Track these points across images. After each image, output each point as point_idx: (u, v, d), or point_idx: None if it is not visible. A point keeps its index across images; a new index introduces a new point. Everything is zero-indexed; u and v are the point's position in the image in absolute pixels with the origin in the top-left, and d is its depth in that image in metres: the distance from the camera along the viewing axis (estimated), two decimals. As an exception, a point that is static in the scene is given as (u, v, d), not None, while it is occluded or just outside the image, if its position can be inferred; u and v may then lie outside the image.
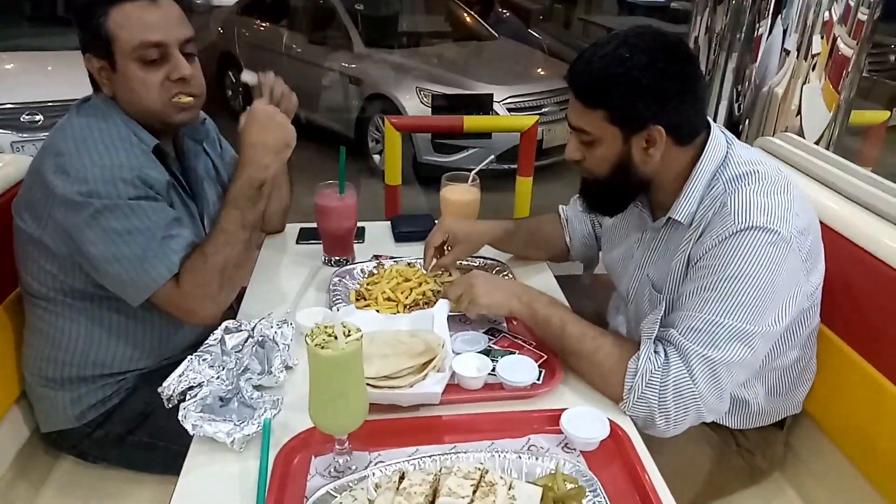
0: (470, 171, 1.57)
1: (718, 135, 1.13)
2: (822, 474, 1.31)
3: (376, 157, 4.92)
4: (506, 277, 1.44)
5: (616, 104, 1.06)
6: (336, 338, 0.85)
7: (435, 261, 1.38)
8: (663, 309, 1.07)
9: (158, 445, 1.26)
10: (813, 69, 2.20)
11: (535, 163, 4.16)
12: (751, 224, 1.01)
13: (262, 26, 6.19)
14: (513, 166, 4.18)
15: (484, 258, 1.50)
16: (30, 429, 1.34)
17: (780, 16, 2.13)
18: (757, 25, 2.16)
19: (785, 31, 2.15)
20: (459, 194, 1.54)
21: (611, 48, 1.04)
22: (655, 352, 1.04)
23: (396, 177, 3.96)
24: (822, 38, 2.12)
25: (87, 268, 1.19)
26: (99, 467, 1.33)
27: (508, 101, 4.69)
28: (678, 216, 1.13)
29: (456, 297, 1.21)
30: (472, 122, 4.04)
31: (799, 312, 1.12)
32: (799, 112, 2.30)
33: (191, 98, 1.25)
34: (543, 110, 4.74)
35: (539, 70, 5.42)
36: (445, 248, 1.42)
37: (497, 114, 4.54)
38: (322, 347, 0.84)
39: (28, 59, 4.35)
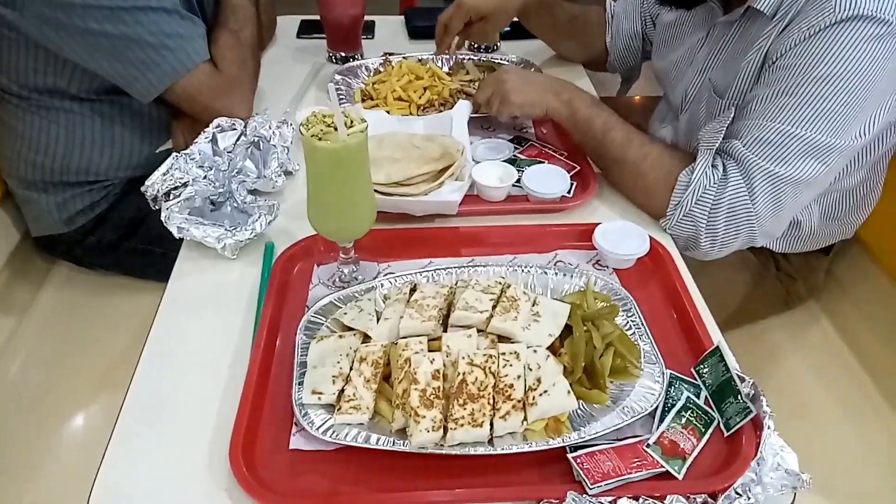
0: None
1: None
2: (863, 303, 1.23)
3: (390, -40, 4.41)
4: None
5: None
6: (336, 129, 0.71)
7: (454, 41, 1.17)
8: (730, 117, 0.90)
9: (155, 252, 1.18)
10: None
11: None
12: (856, 12, 0.80)
13: None
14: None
15: (509, 59, 1.30)
16: (20, 232, 1.26)
17: None
18: None
19: None
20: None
21: None
22: (713, 165, 0.90)
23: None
24: None
25: (83, 57, 1.03)
26: (96, 273, 1.27)
27: None
28: (760, 4, 0.91)
29: (485, 100, 1.04)
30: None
31: (884, 126, 0.95)
32: None
33: None
34: None
35: None
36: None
37: None
38: (319, 139, 0.70)
39: None
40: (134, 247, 1.21)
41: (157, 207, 0.92)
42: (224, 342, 0.77)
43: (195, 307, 0.82)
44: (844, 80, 0.82)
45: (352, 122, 0.72)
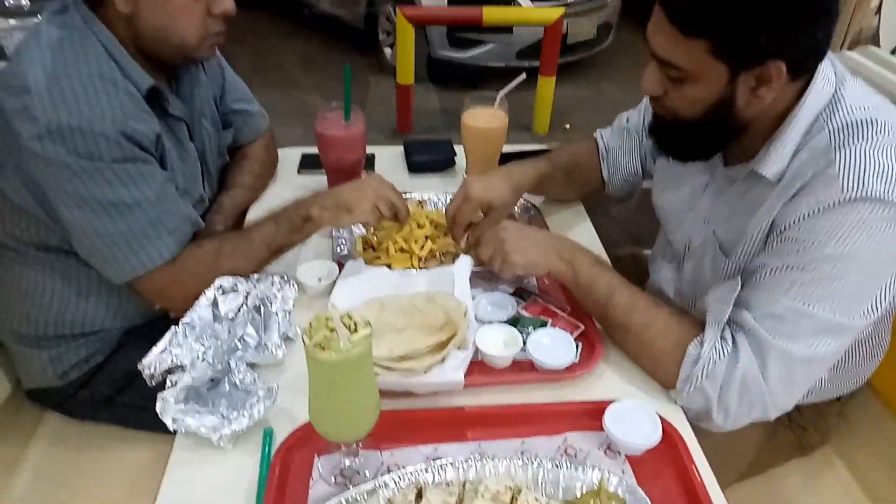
0: (496, 91, 1.33)
1: (827, 66, 0.88)
2: (876, 446, 1.19)
3: (387, 51, 4.55)
4: (531, 219, 1.27)
5: (729, 33, 0.81)
6: (338, 333, 0.69)
7: (466, 237, 1.16)
8: (738, 289, 0.89)
9: (150, 408, 1.14)
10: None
11: (559, 60, 3.84)
12: (864, 193, 0.80)
13: None
14: (534, 63, 3.86)
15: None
16: (11, 382, 1.22)
17: None
18: None
19: None
20: (484, 121, 1.32)
21: None
22: (723, 337, 0.88)
23: (409, 75, 3.68)
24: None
25: (61, 230, 1.02)
26: (89, 424, 1.22)
27: (532, -11, 4.25)
28: (764, 171, 0.91)
29: (487, 258, 1.04)
30: (492, 13, 3.70)
31: (892, 300, 0.92)
32: (878, 10, 1.99)
33: (223, 35, 1.07)
34: (569, 1, 4.32)
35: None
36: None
37: (519, 4, 4.14)
38: (322, 348, 0.68)
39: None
40: (129, 402, 1.17)
41: (153, 384, 0.90)
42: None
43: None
44: (855, 259, 0.82)
45: (355, 325, 0.71)
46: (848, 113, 0.86)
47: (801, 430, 1.14)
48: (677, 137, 0.98)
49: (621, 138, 1.32)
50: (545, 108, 3.90)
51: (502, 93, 1.32)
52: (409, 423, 0.86)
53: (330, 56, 4.96)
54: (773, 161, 0.90)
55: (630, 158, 1.30)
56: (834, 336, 0.85)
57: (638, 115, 1.31)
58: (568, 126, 4.03)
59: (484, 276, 1.13)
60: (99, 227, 0.97)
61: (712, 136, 0.94)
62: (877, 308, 0.87)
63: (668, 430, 0.83)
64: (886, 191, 0.80)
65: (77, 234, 0.99)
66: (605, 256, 1.19)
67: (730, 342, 0.88)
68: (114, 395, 1.17)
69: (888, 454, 1.18)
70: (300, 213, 1.10)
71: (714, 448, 0.87)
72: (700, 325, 0.91)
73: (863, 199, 0.80)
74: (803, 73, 0.86)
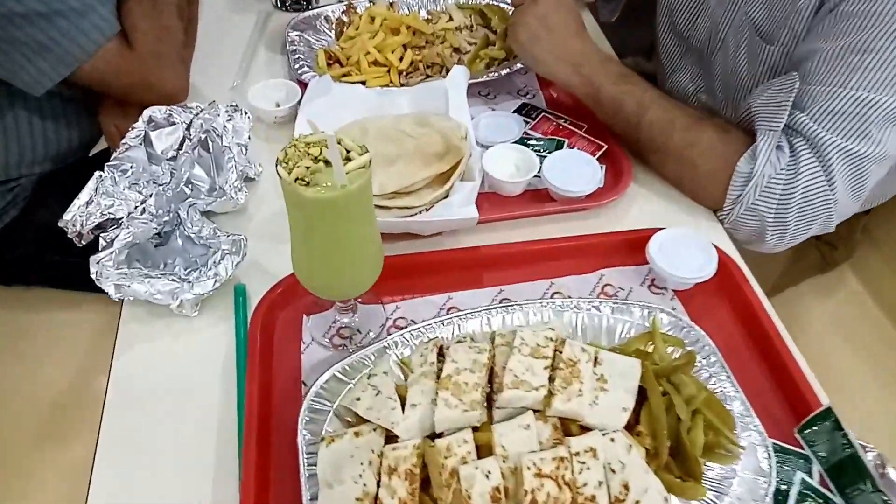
0: None
1: None
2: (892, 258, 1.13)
3: None
4: None
5: None
6: (325, 163, 0.51)
7: None
8: (795, 87, 0.72)
9: (86, 264, 0.96)
10: None
11: None
12: None
13: None
14: None
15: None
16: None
17: None
18: None
19: None
20: None
21: None
22: (778, 147, 0.73)
23: None
24: None
25: None
26: (17, 289, 1.04)
27: None
28: None
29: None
30: None
31: None
32: None
33: None
34: None
35: None
36: None
37: None
38: (307, 183, 0.50)
39: None
40: (60, 260, 0.98)
41: (82, 244, 0.71)
42: (199, 441, 0.59)
43: (152, 394, 0.63)
44: None
45: (346, 152, 0.52)
46: None
47: (830, 247, 1.05)
48: None
49: None
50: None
51: None
52: (416, 269, 0.71)
53: None
54: None
55: None
56: None
57: None
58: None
59: (479, 91, 0.93)
60: (17, 8, 0.74)
61: None
62: None
63: (722, 260, 0.71)
64: None
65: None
66: None
67: (787, 151, 0.73)
68: (41, 252, 0.98)
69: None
70: None
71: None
72: (749, 135, 0.76)
73: None
74: None
